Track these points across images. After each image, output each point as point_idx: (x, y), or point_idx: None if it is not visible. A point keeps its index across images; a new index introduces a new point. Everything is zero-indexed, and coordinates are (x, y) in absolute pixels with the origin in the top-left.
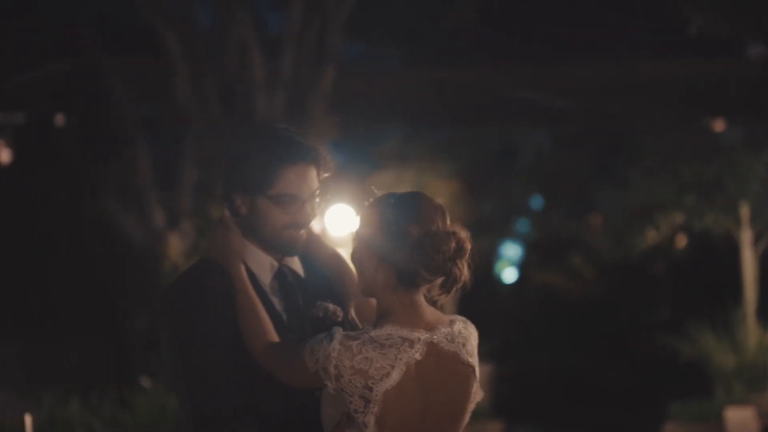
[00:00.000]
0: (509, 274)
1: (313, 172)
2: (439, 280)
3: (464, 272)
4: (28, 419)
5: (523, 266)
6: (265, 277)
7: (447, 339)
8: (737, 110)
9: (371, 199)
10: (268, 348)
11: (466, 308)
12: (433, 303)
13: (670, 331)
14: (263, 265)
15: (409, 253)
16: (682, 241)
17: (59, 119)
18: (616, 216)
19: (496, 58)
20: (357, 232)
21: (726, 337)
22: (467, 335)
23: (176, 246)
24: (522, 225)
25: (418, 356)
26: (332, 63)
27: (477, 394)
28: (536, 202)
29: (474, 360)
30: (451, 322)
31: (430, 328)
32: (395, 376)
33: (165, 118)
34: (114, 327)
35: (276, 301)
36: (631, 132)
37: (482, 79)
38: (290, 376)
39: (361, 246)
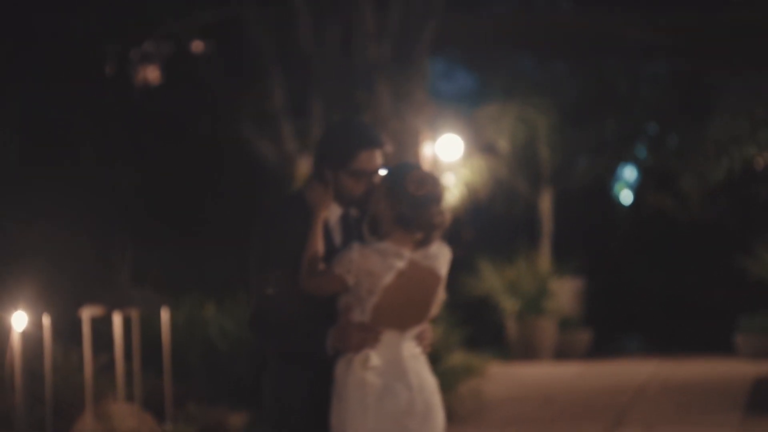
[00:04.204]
0: (626, 196)
1: (379, 154)
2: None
3: (438, 232)
4: (164, 313)
5: (638, 189)
6: (333, 219)
7: (423, 257)
8: None
9: (390, 168)
10: (312, 270)
11: (583, 226)
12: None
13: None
14: (333, 210)
15: (407, 207)
16: None
17: (204, 50)
18: (702, 147)
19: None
20: (378, 187)
21: None
22: (439, 254)
23: (305, 168)
24: (639, 150)
25: (402, 266)
26: (434, 18)
27: (441, 295)
28: (652, 129)
29: (442, 272)
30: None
31: (413, 248)
32: (389, 277)
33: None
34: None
35: (336, 236)
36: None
37: (594, 21)
38: (324, 286)
39: (380, 196)
